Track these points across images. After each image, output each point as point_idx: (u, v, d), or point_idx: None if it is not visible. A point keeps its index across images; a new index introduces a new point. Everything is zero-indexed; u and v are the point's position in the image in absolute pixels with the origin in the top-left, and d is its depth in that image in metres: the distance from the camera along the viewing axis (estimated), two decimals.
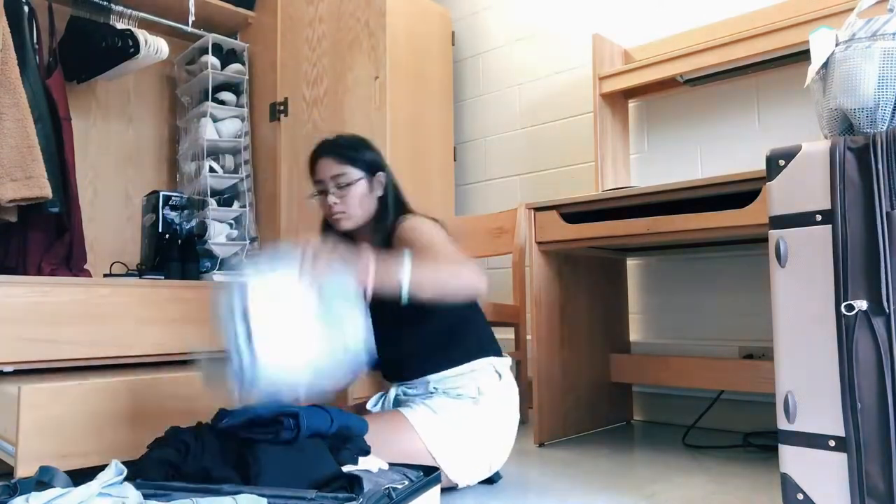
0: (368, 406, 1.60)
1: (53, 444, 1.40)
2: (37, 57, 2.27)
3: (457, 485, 1.47)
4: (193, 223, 2.81)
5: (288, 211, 2.78)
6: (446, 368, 1.50)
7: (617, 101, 2.41)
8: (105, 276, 2.53)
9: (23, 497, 0.91)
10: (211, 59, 2.84)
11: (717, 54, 2.06)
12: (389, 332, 1.41)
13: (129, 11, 2.65)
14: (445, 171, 2.85)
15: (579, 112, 2.66)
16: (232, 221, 2.88)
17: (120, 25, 2.60)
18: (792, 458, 1.16)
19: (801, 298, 1.16)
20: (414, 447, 1.41)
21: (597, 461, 1.81)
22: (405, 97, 2.63)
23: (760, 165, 2.13)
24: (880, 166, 1.08)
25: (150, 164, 3.03)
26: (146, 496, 1.02)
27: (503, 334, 2.67)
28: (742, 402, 2.16)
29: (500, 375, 1.54)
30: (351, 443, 1.20)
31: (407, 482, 1.17)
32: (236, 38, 3.04)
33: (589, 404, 2.19)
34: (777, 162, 1.19)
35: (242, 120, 2.93)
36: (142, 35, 2.55)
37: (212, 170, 2.82)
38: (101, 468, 1.30)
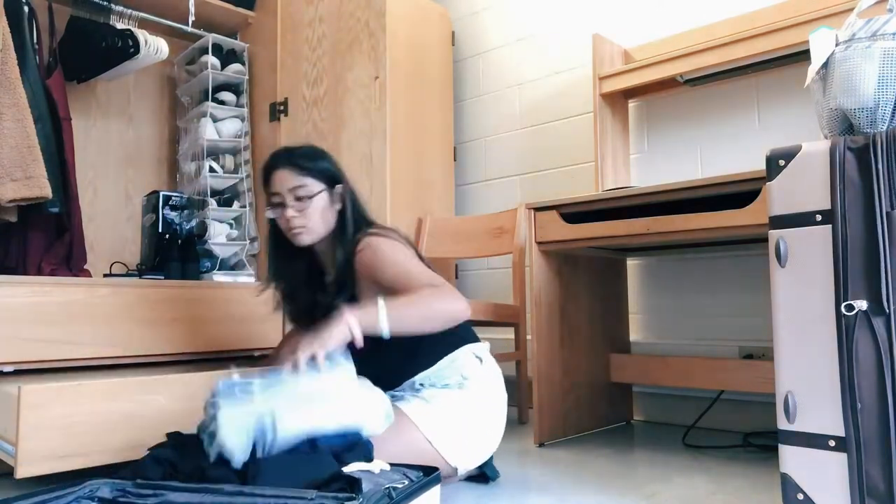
0: None
1: (53, 445, 1.40)
2: (37, 57, 2.27)
3: (456, 469, 1.48)
4: (193, 223, 2.81)
5: None
6: (428, 367, 1.52)
7: (617, 101, 2.41)
8: (105, 276, 2.53)
9: None
10: (211, 59, 2.84)
11: (717, 54, 2.06)
12: (366, 351, 1.41)
13: (129, 11, 2.65)
14: (445, 171, 2.85)
15: (579, 112, 2.66)
16: (232, 221, 2.88)
17: (120, 25, 2.60)
18: (792, 458, 1.16)
19: (801, 298, 1.16)
20: (412, 437, 1.42)
21: (597, 461, 1.81)
22: (405, 97, 2.63)
23: (760, 165, 2.13)
24: (880, 166, 1.08)
25: (150, 164, 3.04)
26: (146, 496, 1.01)
27: (503, 334, 2.68)
28: (742, 402, 2.16)
29: (480, 360, 1.56)
30: (355, 448, 1.20)
31: (407, 482, 1.17)
32: (236, 38, 3.04)
33: (589, 404, 2.19)
34: (777, 162, 1.19)
35: (242, 120, 2.93)
36: (142, 35, 2.56)
37: (212, 170, 2.82)
38: (102, 468, 1.30)
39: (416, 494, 1.14)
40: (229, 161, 2.89)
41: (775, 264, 1.19)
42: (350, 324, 1.26)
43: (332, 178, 1.55)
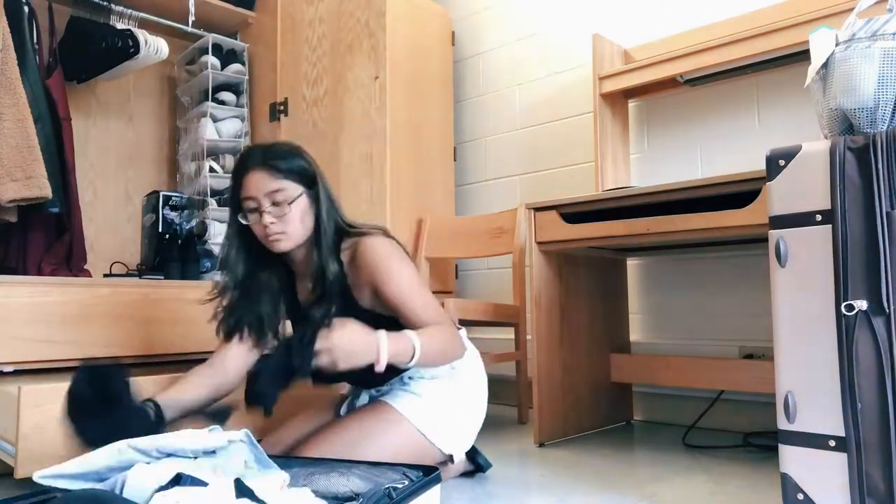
0: (342, 412, 1.60)
1: (53, 445, 1.40)
2: (37, 57, 2.27)
3: (451, 457, 1.49)
4: (193, 223, 2.81)
5: None
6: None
7: (617, 101, 2.41)
8: (105, 276, 2.53)
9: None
10: (211, 59, 2.84)
11: (717, 54, 2.06)
12: None
13: (129, 11, 2.65)
14: (445, 171, 2.85)
15: (579, 112, 2.66)
16: None
17: (120, 25, 2.60)
18: (792, 458, 1.16)
19: (801, 298, 1.16)
20: (404, 431, 1.43)
21: (597, 461, 1.81)
22: (405, 97, 2.63)
23: (760, 165, 2.13)
24: (880, 166, 1.08)
25: (150, 164, 3.04)
26: None
27: (503, 334, 2.68)
28: (742, 402, 2.16)
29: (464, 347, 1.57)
30: None
31: (407, 482, 1.17)
32: (236, 38, 3.04)
33: (589, 404, 2.19)
34: (777, 162, 1.19)
35: (242, 120, 2.93)
36: (142, 35, 2.56)
37: (212, 170, 2.82)
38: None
39: (417, 494, 1.14)
40: (229, 161, 2.89)
41: (775, 264, 1.19)
42: (380, 349, 1.18)
43: (310, 178, 1.42)
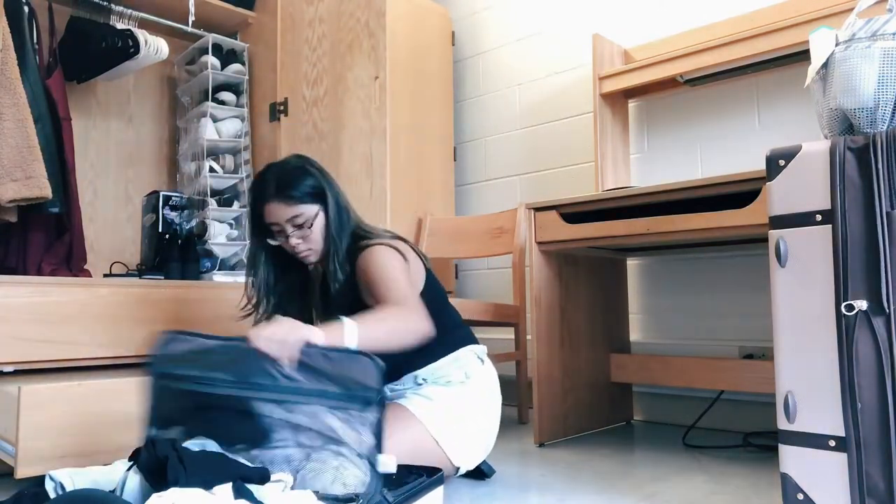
0: None
1: (53, 445, 1.40)
2: (37, 57, 2.27)
3: (458, 469, 1.50)
4: (193, 223, 2.81)
5: None
6: (431, 362, 1.53)
7: (617, 101, 2.41)
8: (105, 276, 2.53)
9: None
10: (211, 60, 2.84)
11: (717, 54, 2.06)
12: None
13: (129, 11, 2.65)
14: (445, 171, 2.85)
15: (579, 112, 2.66)
16: (232, 221, 2.88)
17: (120, 25, 2.60)
18: (792, 458, 1.16)
19: (801, 298, 1.16)
20: (419, 435, 1.43)
21: (597, 461, 1.81)
22: (405, 97, 2.63)
23: (760, 165, 2.14)
24: (880, 166, 1.08)
25: (150, 164, 3.04)
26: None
27: (503, 334, 2.68)
28: (742, 402, 2.16)
29: (482, 361, 1.60)
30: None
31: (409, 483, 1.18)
32: (236, 38, 3.04)
33: (589, 404, 2.19)
34: (777, 162, 1.19)
35: (242, 120, 2.93)
36: (142, 35, 2.56)
37: (212, 170, 2.82)
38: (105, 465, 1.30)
39: (420, 495, 1.14)
40: (229, 161, 2.89)
41: (775, 264, 1.19)
42: (310, 335, 1.17)
43: (321, 193, 1.52)
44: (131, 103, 2.99)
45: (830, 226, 1.13)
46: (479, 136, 3.01)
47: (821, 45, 1.25)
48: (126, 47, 2.53)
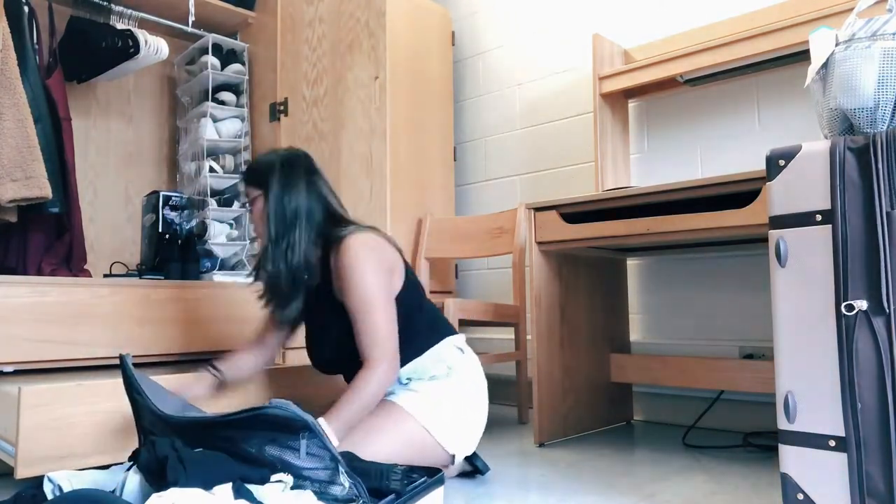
0: None
1: (53, 445, 1.40)
2: (37, 57, 2.27)
3: (453, 458, 1.51)
4: (193, 223, 2.81)
5: None
6: (411, 360, 1.54)
7: (617, 101, 2.41)
8: (105, 276, 2.53)
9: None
10: (211, 60, 2.84)
11: (717, 54, 2.06)
12: (347, 346, 1.49)
13: (129, 11, 2.65)
14: (445, 171, 2.85)
15: (579, 112, 2.66)
16: (232, 221, 2.88)
17: (120, 25, 2.60)
18: (792, 458, 1.16)
19: (801, 298, 1.16)
20: (410, 428, 1.46)
21: (597, 461, 1.81)
22: (405, 97, 2.63)
23: (760, 165, 2.14)
24: (880, 166, 1.08)
25: (150, 164, 3.04)
26: None
27: (503, 334, 2.68)
28: (742, 402, 2.16)
29: (461, 350, 1.61)
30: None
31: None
32: (236, 38, 3.04)
33: (589, 404, 2.19)
34: (777, 162, 1.19)
35: (242, 120, 2.93)
36: (142, 35, 2.55)
37: (212, 170, 2.82)
38: (103, 469, 1.30)
39: (421, 496, 1.14)
40: (229, 161, 2.89)
41: (775, 264, 1.19)
42: None
43: (265, 181, 1.57)
44: (131, 103, 2.99)
45: (830, 226, 1.13)
46: (479, 136, 3.01)
47: (821, 45, 1.25)
48: (126, 47, 2.53)
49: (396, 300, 1.51)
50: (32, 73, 2.20)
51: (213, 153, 2.87)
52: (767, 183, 1.21)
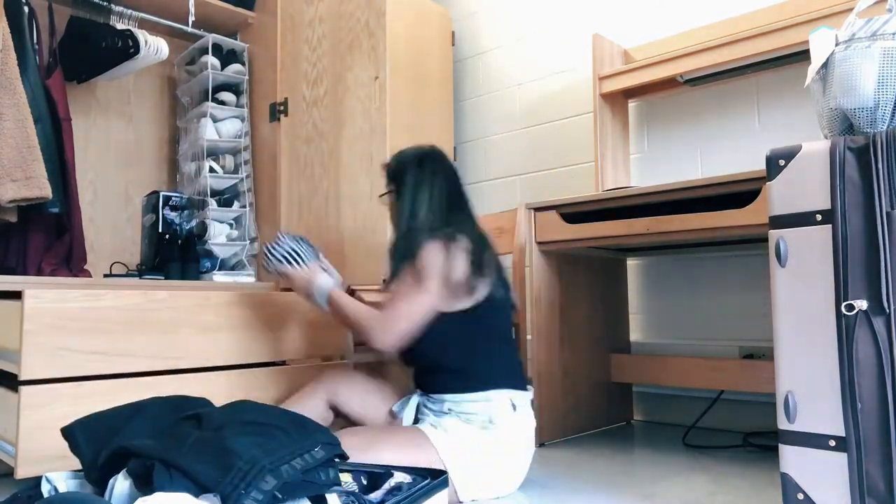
0: (395, 408, 1.62)
1: (53, 445, 1.40)
2: (37, 57, 2.27)
3: (461, 502, 1.47)
4: (193, 223, 2.81)
5: (288, 211, 2.78)
6: (462, 392, 1.49)
7: (617, 101, 2.41)
8: (105, 276, 2.53)
9: None
10: (211, 60, 2.84)
11: (717, 54, 2.06)
12: (424, 341, 1.50)
13: (129, 12, 2.65)
14: None
15: (579, 112, 2.66)
16: (232, 221, 2.88)
17: (120, 26, 2.60)
18: (792, 458, 1.16)
19: (801, 298, 1.16)
20: (431, 459, 1.41)
21: (597, 461, 1.81)
22: (405, 97, 2.63)
23: (760, 165, 2.14)
24: (880, 166, 1.08)
25: (150, 164, 3.04)
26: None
27: None
28: (742, 402, 2.15)
29: (514, 407, 1.50)
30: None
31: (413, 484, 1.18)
32: (236, 39, 3.04)
33: (589, 404, 2.19)
34: (777, 162, 1.19)
35: (242, 120, 2.93)
36: (142, 35, 2.56)
37: (212, 170, 2.82)
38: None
39: (425, 497, 1.14)
40: (229, 161, 2.89)
41: (775, 264, 1.19)
42: (308, 280, 1.61)
43: (399, 177, 1.69)
44: (131, 103, 2.99)
45: (830, 226, 1.13)
46: (479, 136, 3.01)
47: (821, 45, 1.25)
48: (126, 47, 2.53)
49: (471, 311, 1.50)
50: (32, 73, 2.20)
51: (213, 153, 2.87)
52: (767, 183, 1.21)
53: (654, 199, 1.80)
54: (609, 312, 2.31)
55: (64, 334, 1.46)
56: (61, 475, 1.11)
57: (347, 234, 2.43)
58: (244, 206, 2.86)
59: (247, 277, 2.79)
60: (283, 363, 1.88)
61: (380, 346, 1.47)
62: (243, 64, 2.97)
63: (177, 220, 2.75)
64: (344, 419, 1.68)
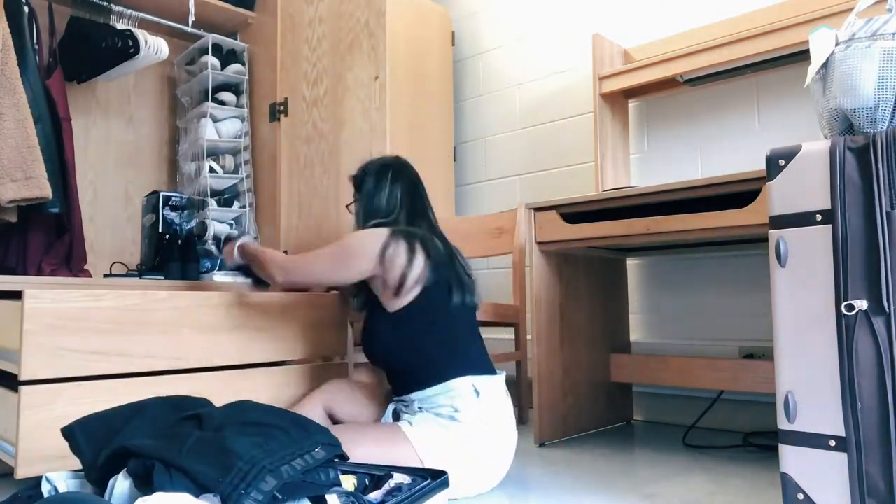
0: (382, 420, 1.65)
1: (53, 445, 1.40)
2: (37, 57, 2.27)
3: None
4: (193, 223, 2.81)
5: (288, 211, 2.78)
6: (426, 388, 1.51)
7: (617, 101, 2.41)
8: (105, 276, 2.53)
9: None
10: (211, 60, 2.84)
11: (717, 54, 2.06)
12: (389, 344, 1.56)
13: (129, 12, 2.65)
14: (445, 171, 2.85)
15: (579, 112, 2.66)
16: (232, 221, 2.88)
17: (120, 26, 2.60)
18: (792, 458, 1.16)
19: (801, 298, 1.16)
20: (406, 453, 1.43)
21: (597, 461, 1.81)
22: (405, 97, 2.63)
23: (760, 165, 2.14)
24: (880, 166, 1.08)
25: (150, 164, 3.03)
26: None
27: (503, 334, 2.68)
28: (742, 402, 2.15)
29: (477, 393, 1.49)
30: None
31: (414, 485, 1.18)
32: (236, 39, 3.04)
33: (589, 404, 2.19)
34: (777, 162, 1.19)
35: (242, 120, 2.93)
36: (142, 35, 2.56)
37: (212, 170, 2.82)
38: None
39: (425, 498, 1.14)
40: (229, 161, 2.89)
41: (775, 264, 1.19)
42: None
43: (360, 184, 1.78)
44: (131, 103, 2.99)
45: (830, 226, 1.13)
46: (479, 136, 3.01)
47: (821, 45, 1.25)
48: (126, 47, 2.53)
49: (407, 308, 1.53)
50: (32, 73, 2.20)
51: (213, 153, 2.87)
52: (767, 183, 1.21)
53: (654, 199, 1.80)
54: (609, 312, 2.31)
55: (64, 334, 1.46)
56: (61, 475, 1.11)
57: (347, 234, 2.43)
58: (244, 206, 2.86)
59: (247, 277, 2.78)
60: (282, 363, 1.88)
61: (272, 280, 1.68)
62: (243, 64, 2.97)
63: (177, 220, 2.75)
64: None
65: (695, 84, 2.27)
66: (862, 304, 1.09)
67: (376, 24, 2.53)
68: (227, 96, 2.91)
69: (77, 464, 1.39)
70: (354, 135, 2.58)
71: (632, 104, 2.49)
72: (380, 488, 1.18)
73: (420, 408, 1.53)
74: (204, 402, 1.25)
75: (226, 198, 2.90)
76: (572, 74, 2.70)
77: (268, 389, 1.80)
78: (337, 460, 1.14)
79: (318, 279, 1.61)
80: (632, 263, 2.46)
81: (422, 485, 1.18)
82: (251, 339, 1.80)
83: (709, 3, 2.32)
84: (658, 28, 2.44)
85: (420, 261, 1.54)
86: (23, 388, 1.38)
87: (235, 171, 2.90)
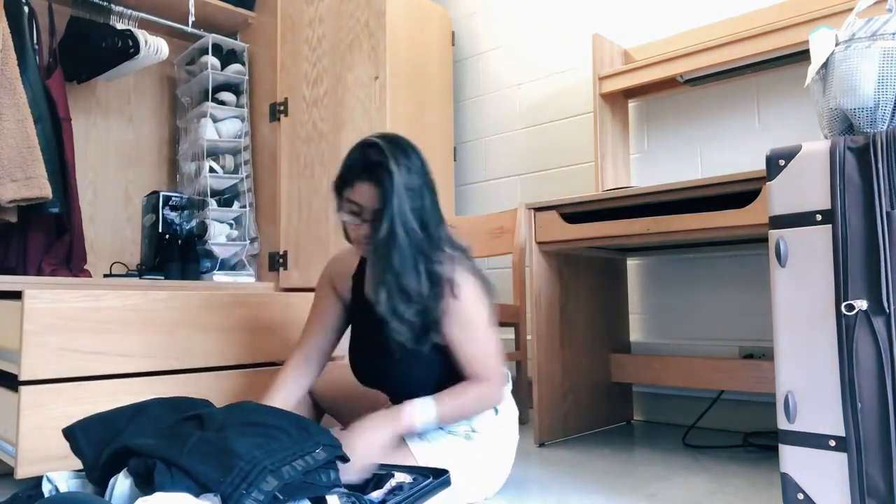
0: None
1: (53, 445, 1.40)
2: (37, 57, 2.27)
3: None
4: (193, 223, 2.81)
5: (288, 211, 2.78)
6: None
7: (617, 101, 2.41)
8: (105, 276, 2.53)
9: None
10: (211, 60, 2.85)
11: (717, 54, 2.06)
12: (390, 366, 1.41)
13: (129, 12, 2.65)
14: (445, 171, 2.85)
15: (579, 112, 2.66)
16: (232, 221, 2.88)
17: (120, 26, 2.60)
18: (792, 458, 1.16)
19: (801, 298, 1.16)
20: (402, 461, 1.36)
21: (597, 461, 1.81)
22: (405, 97, 2.63)
23: (760, 165, 2.14)
24: (880, 166, 1.08)
25: (150, 164, 3.04)
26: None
27: (503, 334, 2.67)
28: (742, 402, 2.16)
29: (496, 411, 1.45)
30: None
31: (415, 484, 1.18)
32: (236, 39, 3.04)
33: (589, 404, 2.19)
34: (777, 162, 1.19)
35: (242, 120, 2.93)
36: (142, 35, 2.56)
37: (212, 170, 2.82)
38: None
39: (426, 497, 1.14)
40: (229, 161, 2.89)
41: (775, 264, 1.19)
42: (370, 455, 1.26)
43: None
44: (131, 103, 2.99)
45: (830, 226, 1.13)
46: (479, 136, 3.01)
47: (821, 45, 1.25)
48: (126, 47, 2.53)
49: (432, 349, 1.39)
50: (32, 73, 2.20)
51: (213, 153, 2.87)
52: (767, 183, 1.21)
53: (653, 199, 1.80)
54: (609, 312, 2.31)
55: (64, 334, 1.46)
56: (62, 475, 1.11)
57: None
58: (244, 206, 2.86)
59: (247, 277, 2.79)
60: (282, 363, 1.88)
61: (498, 402, 1.42)
62: (243, 64, 2.97)
63: (177, 220, 2.75)
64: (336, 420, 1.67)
65: (695, 84, 2.27)
66: (862, 304, 1.09)
67: (376, 24, 2.53)
68: (227, 96, 2.91)
69: (78, 463, 1.39)
70: (354, 135, 2.58)
71: (632, 104, 2.49)
72: (381, 487, 1.18)
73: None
74: (204, 403, 1.26)
75: (226, 198, 2.90)
76: (572, 74, 2.70)
77: (268, 389, 1.80)
78: (338, 461, 1.14)
79: (498, 352, 1.42)
80: (632, 263, 2.46)
81: (423, 484, 1.18)
82: (251, 339, 1.80)
83: (709, 3, 2.32)
84: (658, 28, 2.44)
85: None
86: (23, 388, 1.38)
87: (235, 171, 2.90)
